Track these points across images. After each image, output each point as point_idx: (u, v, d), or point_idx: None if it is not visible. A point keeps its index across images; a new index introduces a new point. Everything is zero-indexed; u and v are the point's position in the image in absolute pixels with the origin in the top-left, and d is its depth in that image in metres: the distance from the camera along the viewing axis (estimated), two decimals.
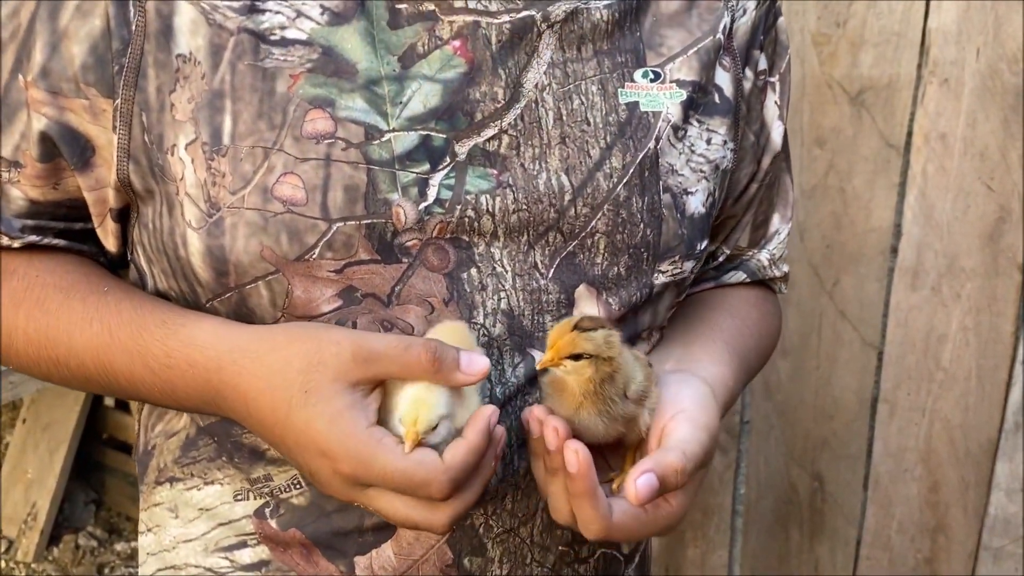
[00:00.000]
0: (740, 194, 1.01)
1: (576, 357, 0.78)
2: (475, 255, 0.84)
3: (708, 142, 0.92)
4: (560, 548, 0.93)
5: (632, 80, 0.88)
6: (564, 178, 0.85)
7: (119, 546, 3.01)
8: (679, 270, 0.91)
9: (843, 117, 1.73)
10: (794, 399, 1.89)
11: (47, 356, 0.88)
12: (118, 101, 0.82)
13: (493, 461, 0.78)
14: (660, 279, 0.90)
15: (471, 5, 0.83)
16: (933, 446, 1.82)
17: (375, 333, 0.81)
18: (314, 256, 0.81)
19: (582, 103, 0.86)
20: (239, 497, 0.91)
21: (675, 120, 0.89)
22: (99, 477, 3.13)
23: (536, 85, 0.85)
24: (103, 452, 3.12)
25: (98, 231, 0.91)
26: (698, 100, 0.91)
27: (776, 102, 0.99)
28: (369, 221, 0.81)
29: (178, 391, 0.82)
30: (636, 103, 0.88)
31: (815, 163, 1.76)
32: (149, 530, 0.99)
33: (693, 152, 0.91)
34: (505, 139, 0.84)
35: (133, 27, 0.81)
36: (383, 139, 0.81)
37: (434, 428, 0.74)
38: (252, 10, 0.81)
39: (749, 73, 0.95)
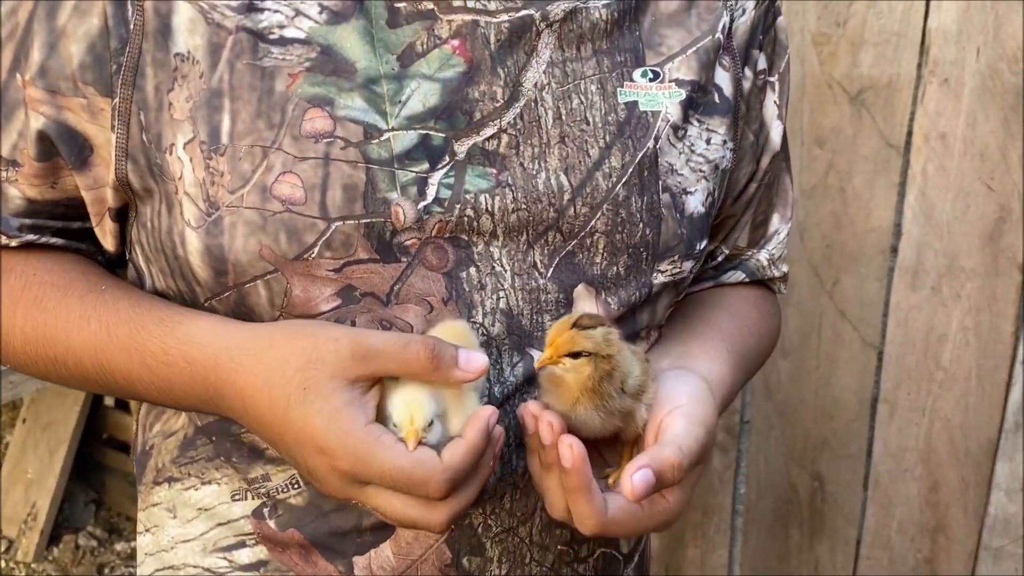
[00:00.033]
0: (739, 194, 1.01)
1: (575, 355, 0.78)
2: (474, 254, 0.84)
3: (708, 142, 0.92)
4: (559, 547, 0.93)
5: (631, 79, 0.88)
6: (563, 177, 0.85)
7: (119, 546, 3.01)
8: (678, 270, 0.91)
9: (843, 117, 1.73)
10: (794, 399, 1.89)
11: (45, 355, 0.88)
12: (116, 100, 0.82)
13: (492, 461, 0.78)
14: (659, 279, 0.90)
15: (470, 4, 0.83)
16: (933, 446, 1.82)
17: (373, 331, 0.81)
18: (313, 255, 0.81)
19: (581, 102, 0.86)
20: (237, 497, 0.91)
21: (674, 120, 0.89)
22: (99, 477, 3.13)
23: (535, 84, 0.85)
24: (103, 452, 3.12)
25: (96, 230, 0.90)
26: (697, 100, 0.91)
27: (775, 101, 0.99)
28: (368, 220, 0.81)
29: (176, 389, 0.82)
30: (635, 102, 0.88)
31: (815, 163, 1.76)
32: (147, 530, 0.99)
33: (692, 152, 0.91)
34: (504, 138, 0.84)
35: (131, 26, 0.81)
36: (382, 138, 0.81)
37: (429, 426, 0.74)
38: (250, 9, 0.81)
39: (748, 73, 0.95)
